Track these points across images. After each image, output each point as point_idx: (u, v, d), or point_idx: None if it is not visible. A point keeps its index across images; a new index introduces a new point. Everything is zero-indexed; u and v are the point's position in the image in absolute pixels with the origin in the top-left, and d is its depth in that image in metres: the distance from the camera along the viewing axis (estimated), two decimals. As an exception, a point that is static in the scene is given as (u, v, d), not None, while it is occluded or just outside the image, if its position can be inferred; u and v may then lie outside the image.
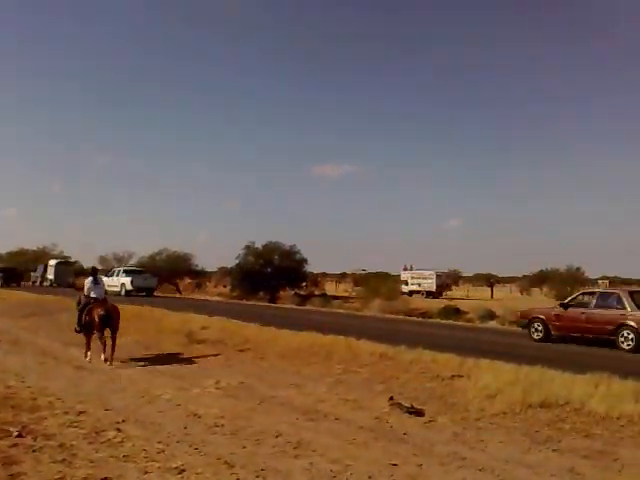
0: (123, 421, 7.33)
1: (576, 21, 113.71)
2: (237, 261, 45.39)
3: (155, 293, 39.44)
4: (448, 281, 64.44)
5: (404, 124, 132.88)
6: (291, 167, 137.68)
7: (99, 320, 12.46)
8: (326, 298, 40.05)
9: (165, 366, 11.93)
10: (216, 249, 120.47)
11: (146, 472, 5.44)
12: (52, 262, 49.44)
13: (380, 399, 8.77)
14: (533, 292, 66.74)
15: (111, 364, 12.31)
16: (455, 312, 29.17)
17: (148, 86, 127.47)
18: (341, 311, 30.05)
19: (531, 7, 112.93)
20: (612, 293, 16.80)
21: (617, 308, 15.70)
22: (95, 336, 12.77)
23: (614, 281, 77.79)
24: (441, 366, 10.77)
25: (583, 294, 18.13)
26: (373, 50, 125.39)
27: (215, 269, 72.31)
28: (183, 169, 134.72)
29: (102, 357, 12.49)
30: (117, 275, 36.12)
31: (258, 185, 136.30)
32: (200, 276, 58.25)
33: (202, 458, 5.93)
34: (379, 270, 63.02)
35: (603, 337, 15.69)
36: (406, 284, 57.75)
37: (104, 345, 12.62)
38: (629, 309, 15.39)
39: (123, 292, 33.84)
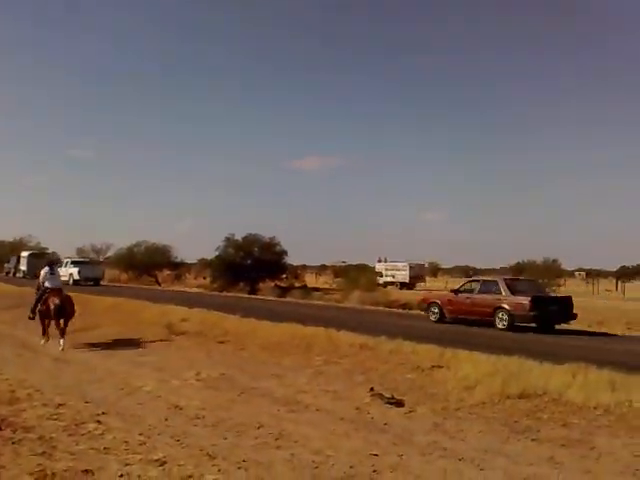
0: (103, 413, 7.28)
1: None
2: (217, 253, 45.24)
3: (133, 284, 39.86)
4: (421, 273, 64.72)
5: (389, 117, 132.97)
6: (272, 160, 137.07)
7: (54, 309, 13.20)
8: (306, 290, 40.06)
9: (145, 358, 11.86)
10: (196, 241, 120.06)
11: (127, 464, 5.41)
12: (24, 253, 49.08)
13: (360, 390, 8.81)
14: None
15: (62, 346, 12.96)
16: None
17: (131, 75, 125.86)
18: (321, 303, 30.09)
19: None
20: (492, 281, 19.19)
21: (495, 293, 17.99)
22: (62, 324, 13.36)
23: (590, 273, 78.97)
24: (421, 357, 10.85)
25: (470, 281, 20.60)
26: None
27: (195, 261, 71.99)
28: (165, 160, 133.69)
29: (60, 343, 12.96)
30: (66, 266, 37.22)
31: (239, 177, 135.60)
32: (180, 268, 57.91)
33: (183, 450, 5.90)
34: (359, 262, 63.21)
35: (484, 318, 17.86)
36: (380, 276, 58.01)
37: (61, 332, 13.15)
38: (504, 294, 17.67)
39: (71, 282, 34.69)
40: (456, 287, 20.38)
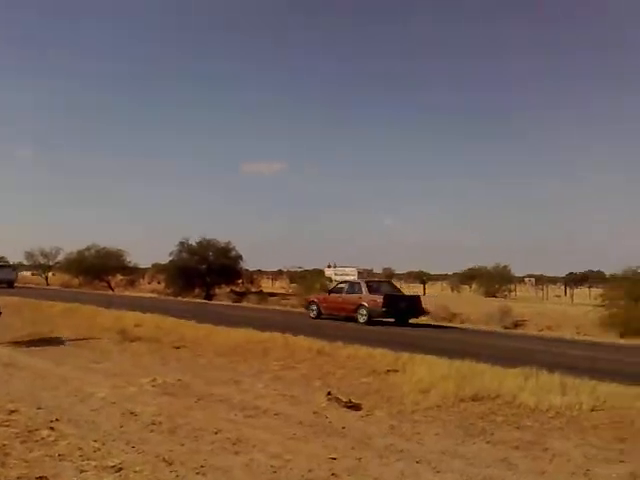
0: (57, 420, 7.12)
1: None
2: (171, 258, 44.75)
3: (85, 290, 39.93)
4: (369, 278, 65.42)
5: (339, 122, 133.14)
6: (225, 163, 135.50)
7: None
8: (262, 295, 40.01)
9: (98, 364, 11.63)
10: (149, 245, 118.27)
11: (82, 471, 5.31)
12: None
13: (318, 394, 8.84)
14: (463, 289, 68.55)
15: None
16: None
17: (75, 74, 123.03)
18: (277, 308, 30.07)
19: None
20: (356, 282, 23.00)
21: (358, 293, 21.21)
22: None
23: (540, 279, 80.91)
24: (376, 361, 11.01)
25: (341, 283, 23.83)
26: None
27: (149, 265, 70.98)
28: (116, 164, 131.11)
29: None
30: None
31: (192, 181, 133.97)
32: (133, 272, 57.01)
33: (140, 456, 5.83)
34: (315, 267, 63.35)
35: (350, 314, 20.96)
36: (330, 281, 58.37)
37: None
38: (364, 293, 20.89)
39: None
40: (330, 288, 23.63)
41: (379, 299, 20.29)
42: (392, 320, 20.75)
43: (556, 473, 5.62)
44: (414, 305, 21.49)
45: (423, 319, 26.03)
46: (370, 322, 20.06)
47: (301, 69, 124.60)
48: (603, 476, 5.53)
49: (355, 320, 20.51)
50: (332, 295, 22.54)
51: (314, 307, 22.79)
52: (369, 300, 20.49)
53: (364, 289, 21.11)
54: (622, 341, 18.85)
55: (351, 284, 22.55)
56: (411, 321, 21.53)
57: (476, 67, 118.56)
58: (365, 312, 20.45)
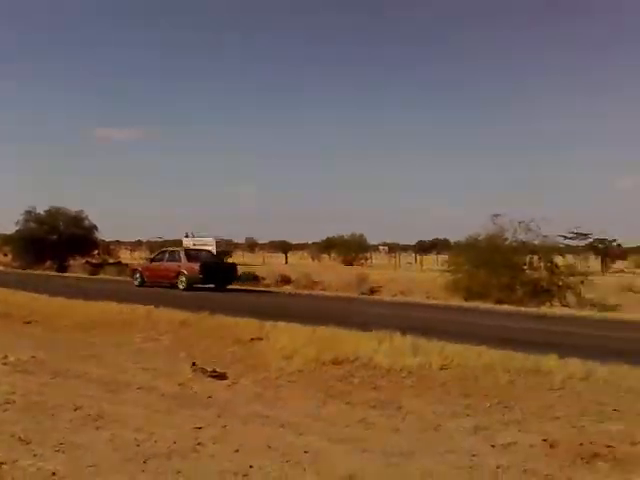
0: None
1: None
2: (17, 228, 41.97)
3: None
4: (228, 248, 65.16)
5: (197, 87, 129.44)
6: (72, 129, 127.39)
7: None
8: (120, 266, 38.68)
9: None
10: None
11: None
12: None
13: (183, 366, 8.80)
14: (322, 258, 70.41)
15: None
16: (253, 278, 29.72)
17: None
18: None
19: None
20: (176, 251, 24.29)
21: (177, 261, 22.70)
22: None
23: (393, 247, 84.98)
24: (241, 330, 11.12)
25: (162, 252, 25.06)
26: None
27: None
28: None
29: None
30: None
31: (40, 146, 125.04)
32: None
33: (-7, 437, 5.54)
34: (176, 238, 62.24)
35: (171, 281, 22.42)
36: None
37: None
38: (183, 262, 22.46)
39: None
40: (151, 256, 25.43)
41: (196, 266, 21.89)
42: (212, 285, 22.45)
43: (409, 430, 6.04)
44: (230, 272, 23.70)
45: (286, 287, 26.72)
46: (190, 288, 21.37)
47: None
48: (451, 429, 6.02)
49: (177, 287, 21.91)
50: (154, 264, 23.97)
51: (137, 275, 23.96)
52: (187, 267, 22.02)
53: (183, 257, 22.70)
54: (466, 304, 20.36)
55: (171, 253, 23.88)
56: (272, 289, 22.21)
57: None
58: (184, 279, 21.87)
